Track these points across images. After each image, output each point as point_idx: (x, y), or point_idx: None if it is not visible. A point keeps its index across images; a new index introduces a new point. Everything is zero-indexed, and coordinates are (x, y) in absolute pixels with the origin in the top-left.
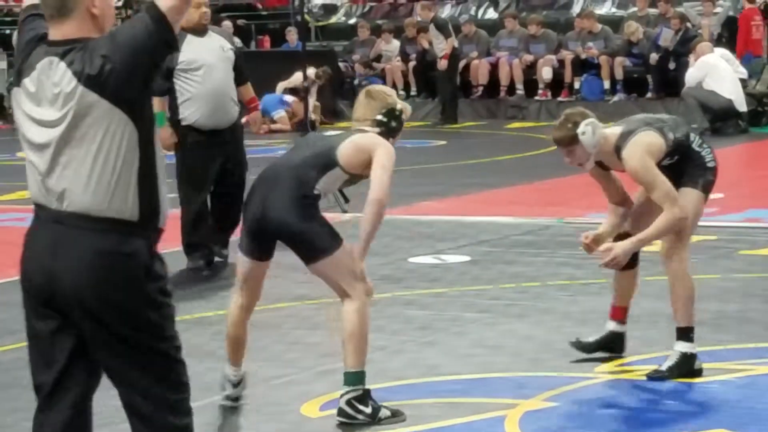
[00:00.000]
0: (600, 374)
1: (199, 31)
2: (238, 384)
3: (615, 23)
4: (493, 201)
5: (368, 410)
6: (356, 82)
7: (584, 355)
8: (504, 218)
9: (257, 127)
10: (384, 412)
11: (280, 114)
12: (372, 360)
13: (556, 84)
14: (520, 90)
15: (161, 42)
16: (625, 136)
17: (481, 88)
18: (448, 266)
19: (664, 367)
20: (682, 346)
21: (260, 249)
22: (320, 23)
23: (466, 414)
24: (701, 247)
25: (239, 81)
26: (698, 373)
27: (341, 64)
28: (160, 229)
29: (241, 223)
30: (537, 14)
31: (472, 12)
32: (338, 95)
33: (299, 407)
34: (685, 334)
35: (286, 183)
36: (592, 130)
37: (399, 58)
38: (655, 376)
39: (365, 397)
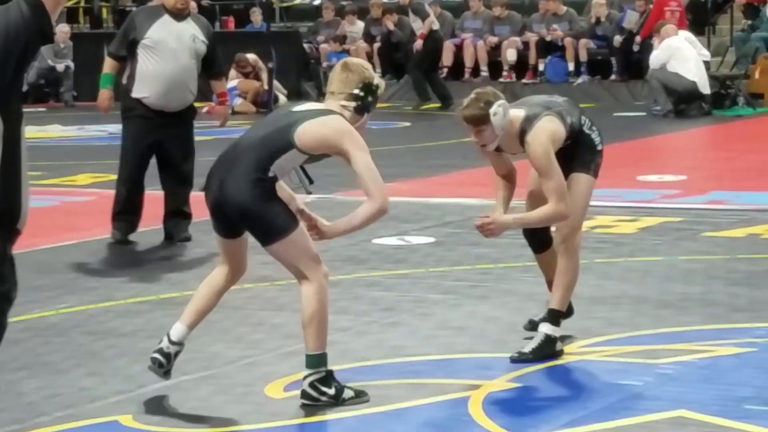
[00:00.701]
0: (564, 355)
1: (176, 14)
2: (176, 343)
3: (579, 6)
4: (457, 182)
5: (332, 392)
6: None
7: None
8: (468, 200)
9: (223, 122)
10: (347, 393)
11: (238, 102)
12: (335, 341)
13: (521, 66)
14: (484, 72)
15: (36, 32)
16: (530, 120)
17: (445, 70)
18: (413, 247)
19: (527, 349)
20: (548, 328)
21: (226, 228)
22: (285, 4)
23: (430, 395)
24: (665, 229)
25: (211, 74)
26: (559, 354)
27: (306, 45)
28: (17, 230)
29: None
30: None
31: None
32: (303, 77)
33: (263, 388)
34: (554, 317)
35: (242, 165)
36: (503, 112)
37: (363, 39)
38: (518, 359)
39: (328, 378)
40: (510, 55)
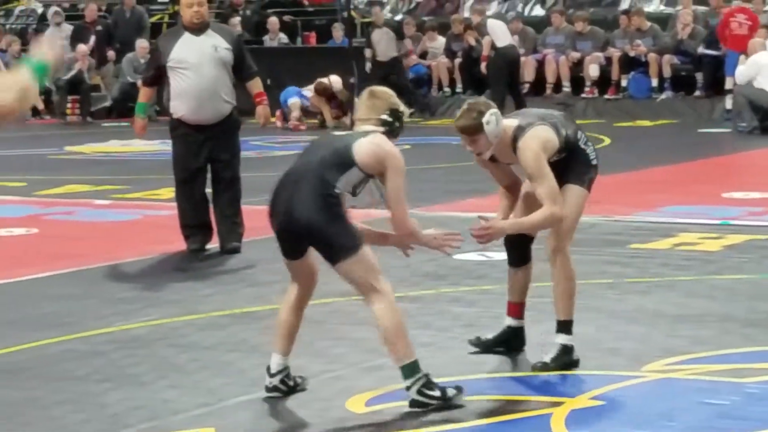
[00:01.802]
0: (647, 373)
1: (195, 29)
2: (276, 374)
3: (663, 21)
4: None
5: (437, 393)
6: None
7: (632, 354)
8: None
9: (264, 121)
10: (450, 391)
11: (293, 100)
12: (418, 356)
13: (603, 81)
14: (566, 87)
15: None
16: (522, 128)
17: (527, 86)
18: (494, 263)
19: (548, 359)
20: (563, 339)
21: (292, 249)
22: (366, 19)
23: (512, 412)
24: (751, 247)
25: (243, 77)
26: (576, 364)
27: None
28: None
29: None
30: (584, 11)
31: (519, 9)
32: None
33: (345, 402)
34: (565, 327)
35: (309, 183)
36: (496, 120)
37: (444, 54)
38: (542, 369)
39: (429, 381)
40: (592, 70)
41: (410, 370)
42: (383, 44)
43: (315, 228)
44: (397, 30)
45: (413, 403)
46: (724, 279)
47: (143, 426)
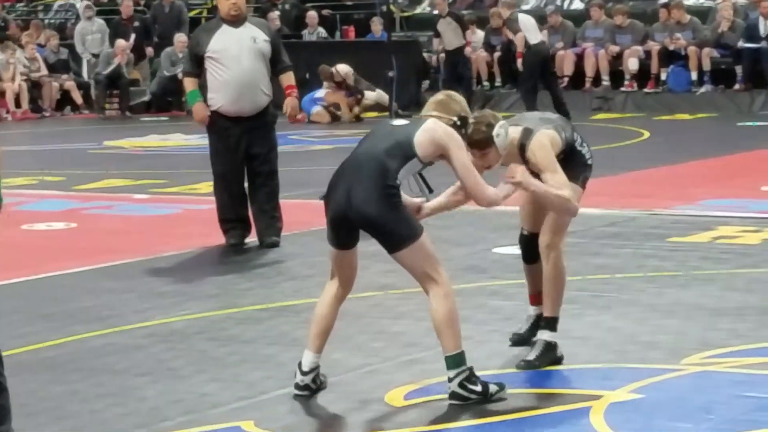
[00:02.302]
0: (687, 366)
1: (233, 22)
2: (308, 372)
3: (703, 14)
4: None
5: (479, 388)
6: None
7: (670, 347)
8: (589, 209)
9: (293, 113)
10: (492, 387)
11: (316, 110)
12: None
13: (643, 75)
14: (605, 81)
15: None
16: (528, 132)
17: (566, 79)
18: None
19: (532, 357)
20: (547, 335)
21: (345, 238)
22: (405, 14)
23: (551, 405)
24: None
25: (277, 70)
26: (560, 360)
27: (425, 55)
28: None
29: (324, 214)
30: (623, 5)
31: (558, 2)
32: (422, 86)
33: (384, 396)
34: (550, 324)
35: (370, 173)
36: (505, 132)
37: (483, 48)
38: (525, 367)
39: (472, 376)
40: (632, 64)
41: (455, 361)
42: (449, 34)
43: (375, 216)
44: (436, 23)
45: (453, 396)
46: (763, 272)
47: (182, 419)
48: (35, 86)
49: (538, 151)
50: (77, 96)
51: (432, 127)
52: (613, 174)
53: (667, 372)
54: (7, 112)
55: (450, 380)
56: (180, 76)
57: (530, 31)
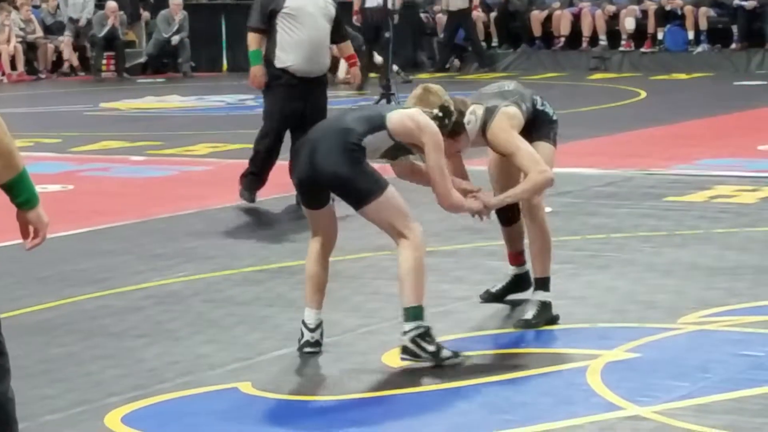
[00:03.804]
0: (683, 325)
1: None
2: (315, 329)
3: None
4: (575, 152)
5: (432, 348)
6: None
7: (667, 306)
8: (586, 169)
9: (359, 81)
10: (445, 353)
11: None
12: (453, 310)
13: (639, 34)
14: (602, 41)
15: None
16: (489, 113)
17: (563, 39)
18: None
19: (529, 316)
20: (541, 296)
21: (314, 199)
22: None
23: (548, 364)
24: None
25: (337, 38)
26: (556, 319)
27: (422, 15)
28: None
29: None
30: None
31: None
32: (419, 47)
33: (381, 357)
34: (543, 284)
35: (333, 134)
36: (476, 118)
37: (480, 8)
38: (524, 326)
39: (428, 334)
40: (628, 23)
41: (414, 314)
42: None
43: (337, 173)
44: None
45: (404, 350)
46: (760, 231)
47: (180, 381)
48: (31, 48)
49: (500, 135)
50: (73, 58)
51: (413, 113)
52: (610, 134)
53: (664, 331)
54: (3, 74)
55: (404, 333)
56: (175, 41)
57: None
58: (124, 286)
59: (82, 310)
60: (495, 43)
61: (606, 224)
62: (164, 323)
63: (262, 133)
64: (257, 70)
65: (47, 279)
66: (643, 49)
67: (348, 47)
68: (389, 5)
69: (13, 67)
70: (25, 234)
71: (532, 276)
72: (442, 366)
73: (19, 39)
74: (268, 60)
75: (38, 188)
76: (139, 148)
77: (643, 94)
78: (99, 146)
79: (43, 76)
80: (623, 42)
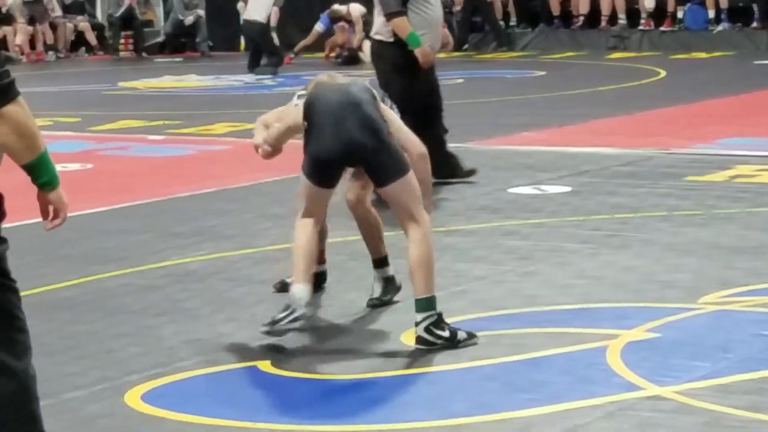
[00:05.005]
0: (703, 305)
1: None
2: (311, 303)
3: None
4: (593, 131)
5: (446, 334)
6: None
7: (688, 286)
8: (605, 149)
9: (449, 47)
10: (461, 335)
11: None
12: (471, 290)
13: (659, 13)
14: (622, 20)
15: None
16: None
17: (582, 18)
18: (549, 196)
19: (377, 294)
20: (383, 272)
21: (335, 177)
22: None
23: (567, 344)
24: None
25: None
26: (399, 289)
27: None
28: None
29: (312, 154)
30: None
31: None
32: None
33: (400, 336)
34: (382, 262)
35: (357, 108)
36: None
37: None
38: (376, 304)
39: (440, 320)
40: (648, 2)
41: (426, 304)
42: None
43: (371, 147)
44: None
45: (419, 340)
46: None
47: (199, 359)
48: (50, 27)
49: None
50: (91, 37)
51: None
52: (630, 113)
53: (684, 311)
54: (22, 53)
55: (417, 324)
56: (189, 21)
57: None
58: (145, 264)
59: (104, 288)
60: (513, 22)
61: (625, 204)
62: (184, 302)
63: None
64: (426, 50)
65: (70, 257)
66: (662, 28)
67: None
68: None
69: (32, 46)
70: (45, 214)
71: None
72: (470, 345)
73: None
74: (402, 42)
75: (57, 167)
76: (157, 128)
77: (663, 73)
78: (118, 125)
79: (62, 55)
80: (643, 21)
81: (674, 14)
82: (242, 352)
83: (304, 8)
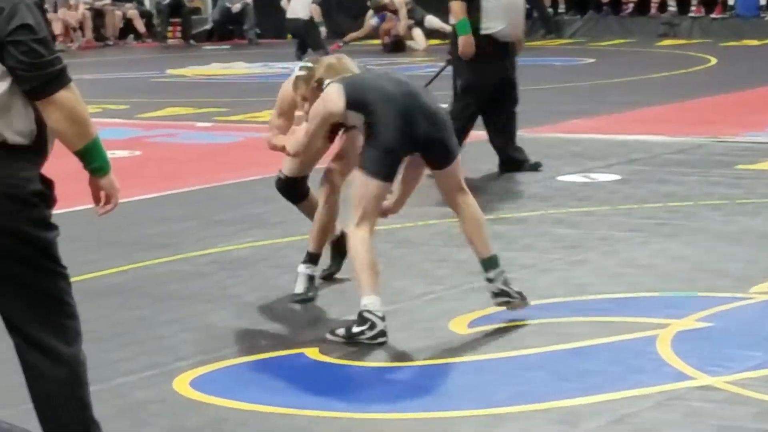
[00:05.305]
0: (755, 294)
1: None
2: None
3: None
4: (643, 119)
5: (517, 289)
6: None
7: (739, 275)
8: (655, 137)
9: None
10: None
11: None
12: (520, 278)
13: (710, 0)
14: (672, 7)
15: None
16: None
17: (631, 5)
18: (598, 184)
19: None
20: (302, 269)
21: (397, 168)
22: None
23: (617, 333)
24: None
25: None
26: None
27: None
28: None
29: (385, 146)
30: None
31: None
32: None
33: (448, 324)
34: (313, 258)
35: (425, 96)
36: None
37: None
38: (300, 300)
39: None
40: None
41: (495, 260)
42: None
43: (446, 135)
44: None
45: (500, 293)
46: None
47: (247, 345)
48: (98, 15)
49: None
50: (140, 24)
51: None
52: (680, 101)
53: (735, 300)
54: (71, 41)
55: (491, 280)
56: (237, 8)
57: None
58: (192, 251)
59: (152, 274)
60: (562, 9)
61: (675, 192)
62: (230, 288)
63: (462, 105)
64: (468, 39)
65: (118, 243)
66: (713, 15)
67: None
68: None
69: (81, 33)
70: (97, 200)
71: (309, 250)
72: (509, 333)
73: (87, 6)
74: (475, 28)
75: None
76: (205, 115)
77: (713, 60)
78: (166, 112)
79: (110, 42)
80: (693, 7)
81: (725, 1)
82: (290, 338)
83: None
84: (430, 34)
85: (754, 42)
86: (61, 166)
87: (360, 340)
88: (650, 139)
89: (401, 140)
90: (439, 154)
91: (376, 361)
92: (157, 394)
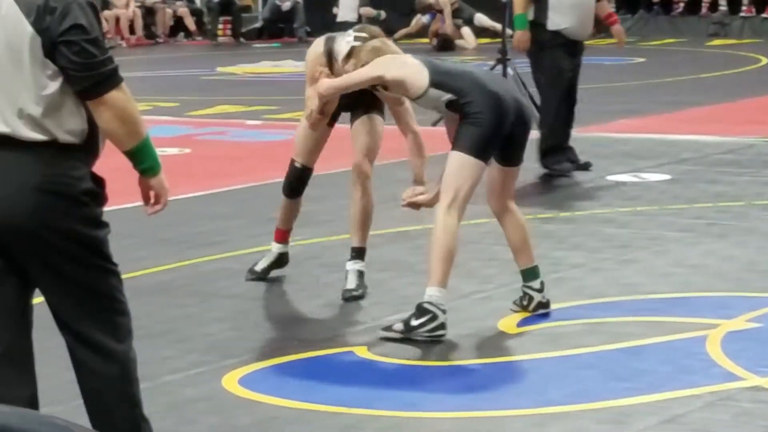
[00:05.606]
0: None
1: None
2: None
3: None
4: (693, 119)
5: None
6: None
7: None
8: (705, 137)
9: (622, 39)
10: None
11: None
12: (570, 277)
13: (761, 0)
14: (723, 6)
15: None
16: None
17: (682, 4)
18: (648, 184)
19: (352, 286)
20: (360, 265)
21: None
22: None
23: (666, 333)
24: None
25: None
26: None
27: None
28: None
29: (492, 130)
30: None
31: None
32: None
33: (497, 323)
34: (361, 253)
35: (519, 92)
36: None
37: None
38: (350, 298)
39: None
40: None
41: (539, 270)
42: None
43: (529, 134)
44: None
45: (544, 305)
46: None
47: (296, 343)
48: (149, 13)
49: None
50: (190, 22)
51: None
52: (731, 101)
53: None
54: (122, 38)
55: (540, 290)
56: (287, 6)
57: None
58: (241, 249)
59: (200, 272)
60: (612, 8)
61: (726, 192)
62: (279, 286)
63: (547, 104)
64: (524, 35)
65: (167, 241)
66: (764, 15)
67: (605, 5)
68: None
69: (132, 31)
70: (146, 199)
71: (353, 245)
72: (559, 332)
73: (138, 3)
74: (539, 23)
75: (156, 151)
76: (255, 113)
77: (764, 60)
78: (216, 110)
79: (161, 40)
80: (744, 7)
81: None
82: (339, 336)
83: None
84: (480, 32)
85: None
86: (112, 162)
87: (419, 335)
88: (700, 138)
89: (502, 127)
90: (519, 151)
91: (424, 359)
92: (205, 391)
